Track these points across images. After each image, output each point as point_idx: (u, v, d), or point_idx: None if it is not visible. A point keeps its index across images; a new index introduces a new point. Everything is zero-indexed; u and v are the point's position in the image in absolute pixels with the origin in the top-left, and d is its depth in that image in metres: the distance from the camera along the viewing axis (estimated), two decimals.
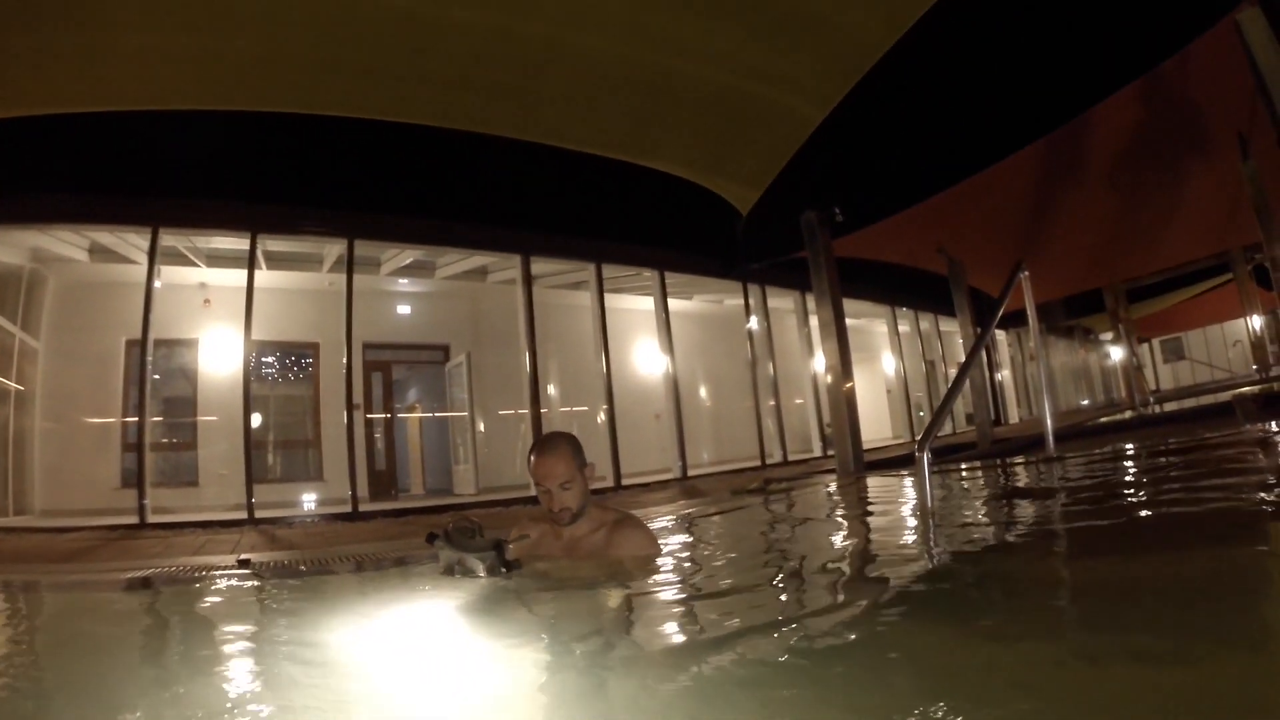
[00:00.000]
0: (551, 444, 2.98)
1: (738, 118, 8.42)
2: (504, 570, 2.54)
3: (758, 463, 12.61)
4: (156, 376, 9.42)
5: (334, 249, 10.33)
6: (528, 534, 3.01)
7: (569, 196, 9.54)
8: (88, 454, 10.09)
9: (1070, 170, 9.50)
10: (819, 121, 8.33)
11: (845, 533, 4.11)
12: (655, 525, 3.77)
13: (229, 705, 1.55)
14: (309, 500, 10.55)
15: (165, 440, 10.93)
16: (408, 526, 7.21)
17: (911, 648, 1.62)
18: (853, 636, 1.66)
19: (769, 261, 11.62)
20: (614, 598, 2.59)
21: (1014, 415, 20.83)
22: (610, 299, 11.13)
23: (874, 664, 1.50)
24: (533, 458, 2.94)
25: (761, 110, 8.25)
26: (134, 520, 8.10)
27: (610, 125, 8.35)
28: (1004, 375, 21.06)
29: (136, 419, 8.69)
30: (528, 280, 10.49)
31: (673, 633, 1.93)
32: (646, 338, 12.81)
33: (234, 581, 3.96)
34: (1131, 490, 4.35)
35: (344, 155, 8.79)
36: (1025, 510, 4.18)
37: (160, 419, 10.53)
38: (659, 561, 3.10)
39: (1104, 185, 9.93)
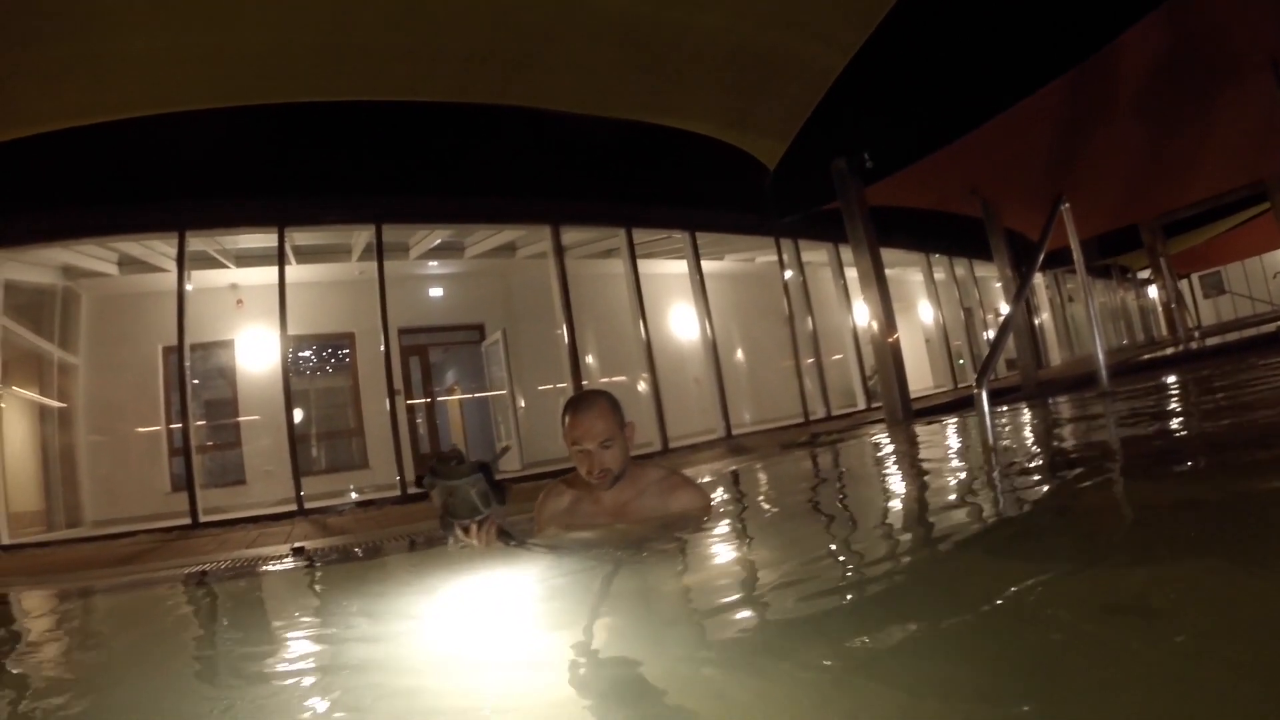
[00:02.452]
0: (588, 401, 2.71)
1: (759, 70, 8.26)
2: (497, 493, 2.36)
3: (801, 419, 12.46)
4: (195, 381, 9.46)
5: (361, 237, 10.32)
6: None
7: (595, 163, 9.43)
8: (135, 462, 10.23)
9: (1100, 103, 9.25)
10: (841, 68, 8.17)
11: (907, 476, 4.00)
12: (705, 480, 3.66)
13: (292, 687, 1.49)
14: (356, 488, 10.58)
15: (210, 442, 11.03)
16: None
17: (998, 580, 1.52)
18: (939, 578, 1.55)
19: (800, 214, 11.46)
20: (670, 561, 2.42)
21: (1055, 358, 20.50)
22: (642, 265, 11.00)
23: (962, 599, 1.40)
24: (567, 418, 2.66)
25: (782, 60, 8.08)
26: (186, 521, 8.16)
27: (630, 87, 8.23)
28: (1044, 318, 20.70)
29: (180, 424, 8.72)
30: (559, 251, 10.39)
31: (743, 598, 1.79)
32: (681, 302, 12.69)
33: (290, 568, 3.98)
34: (1194, 419, 4.20)
35: (365, 140, 8.74)
36: (1089, 443, 4.06)
37: (203, 422, 10.59)
38: (715, 516, 2.97)
39: (1135, 117, 9.68)
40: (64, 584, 4.81)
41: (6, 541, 7.57)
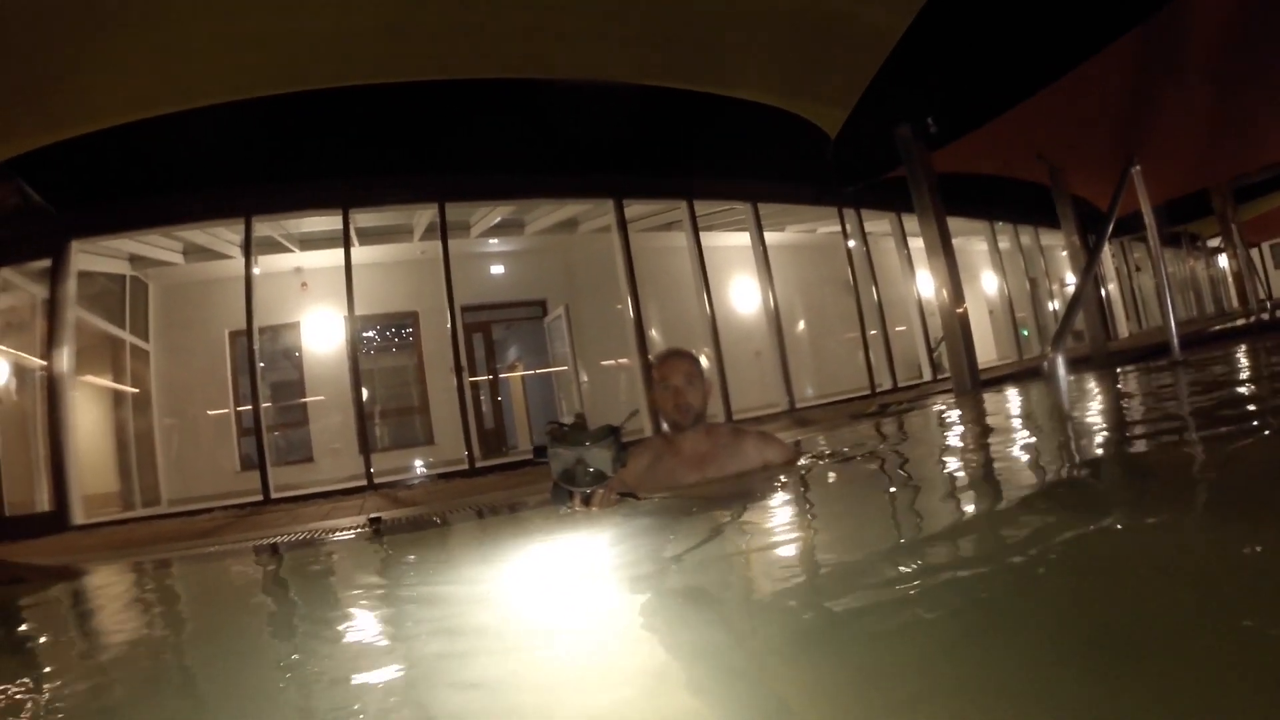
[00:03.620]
0: (676, 350, 3.03)
1: (818, 35, 8.12)
2: (623, 452, 2.37)
3: (867, 391, 12.33)
4: (263, 363, 9.68)
5: (424, 217, 10.44)
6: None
7: (655, 135, 9.36)
8: (207, 443, 10.56)
9: (1170, 61, 8.91)
10: (903, 31, 7.99)
11: (981, 446, 3.92)
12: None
13: (360, 648, 1.52)
14: (423, 464, 10.76)
15: (278, 422, 11.29)
16: (525, 476, 7.29)
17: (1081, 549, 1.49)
18: (1022, 553, 1.52)
19: (864, 183, 11.28)
20: (748, 520, 2.39)
21: (1124, 329, 19.97)
22: (704, 237, 10.95)
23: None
24: (657, 364, 2.97)
25: (842, 25, 7.93)
26: (259, 498, 8.38)
27: (689, 57, 8.15)
28: (1110, 288, 20.15)
29: (250, 405, 8.94)
30: (623, 225, 10.38)
31: (826, 564, 1.77)
32: (743, 274, 12.62)
33: (364, 538, 4.05)
34: (1268, 386, 4.05)
35: (427, 120, 8.79)
36: (1164, 411, 3.94)
37: (270, 403, 10.83)
38: (796, 467, 3.00)
39: (1206, 75, 9.32)
40: (141, 557, 4.95)
41: (80, 521, 7.81)
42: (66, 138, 7.23)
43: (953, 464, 3.33)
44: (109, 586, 3.53)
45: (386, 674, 1.35)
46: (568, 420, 2.49)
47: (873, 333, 12.91)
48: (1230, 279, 22.31)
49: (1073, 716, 0.77)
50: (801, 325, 13.85)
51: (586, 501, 2.35)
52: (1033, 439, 3.74)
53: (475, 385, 12.30)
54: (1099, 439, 3.19)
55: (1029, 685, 0.85)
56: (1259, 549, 1.28)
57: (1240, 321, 12.19)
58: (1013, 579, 1.32)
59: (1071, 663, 0.88)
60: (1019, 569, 1.37)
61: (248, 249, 8.94)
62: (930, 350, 13.36)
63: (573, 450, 2.32)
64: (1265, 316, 11.82)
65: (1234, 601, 1.04)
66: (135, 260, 10.12)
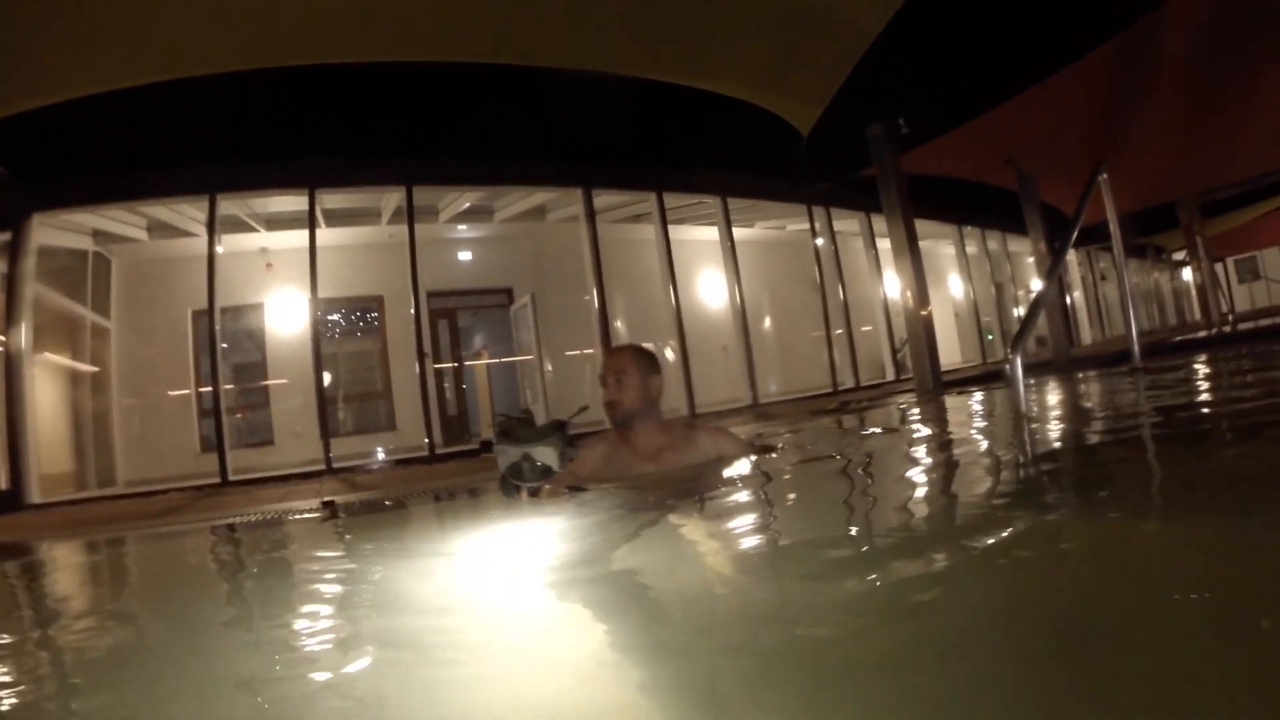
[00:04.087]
0: (619, 347, 3.19)
1: (794, 31, 8.12)
2: (571, 448, 2.36)
3: (830, 389, 12.41)
4: (225, 344, 9.55)
5: (392, 200, 10.33)
6: (586, 406, 2.92)
7: (627, 126, 9.33)
8: (166, 424, 10.40)
9: (1143, 74, 9.06)
10: (879, 30, 8.01)
11: (938, 443, 3.95)
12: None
13: (313, 626, 1.49)
14: (383, 450, 10.68)
15: (239, 404, 11.14)
16: (486, 463, 7.24)
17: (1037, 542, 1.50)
18: (970, 547, 1.52)
19: (834, 181, 11.34)
20: (699, 511, 2.40)
21: (1087, 337, 20.25)
22: (673, 230, 10.96)
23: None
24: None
25: (818, 22, 7.94)
26: (217, 480, 8.29)
27: (663, 48, 8.14)
28: (1075, 296, 20.41)
29: (210, 386, 8.83)
30: (591, 215, 10.36)
31: (771, 556, 1.77)
32: (711, 268, 12.65)
33: (317, 520, 4.02)
34: (1224, 394, 4.12)
35: (396, 102, 8.70)
36: (1121, 414, 3.99)
37: (232, 384, 10.69)
38: (749, 460, 3.01)
39: (1178, 90, 9.47)
40: (95, 536, 4.88)
41: (37, 500, 7.69)
42: (31, 108, 7.08)
43: (906, 460, 3.36)
44: (62, 562, 3.50)
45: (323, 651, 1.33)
46: (516, 414, 2.47)
47: (838, 331, 12.99)
48: (1194, 292, 22.69)
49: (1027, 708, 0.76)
50: (768, 322, 13.90)
51: (534, 494, 2.34)
52: (985, 437, 3.80)
53: (439, 372, 12.21)
54: (1051, 438, 3.23)
55: (978, 677, 0.84)
56: (1196, 542, 1.30)
57: (1202, 333, 12.38)
58: (958, 574, 1.32)
59: (1022, 655, 0.88)
60: (965, 564, 1.37)
61: (212, 227, 8.81)
62: (894, 351, 13.47)
63: (518, 447, 2.30)
64: (1226, 329, 12.01)
65: (1177, 590, 1.06)
66: (98, 235, 9.92)
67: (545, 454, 2.30)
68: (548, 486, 2.35)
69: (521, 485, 2.33)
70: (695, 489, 2.72)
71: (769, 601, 1.28)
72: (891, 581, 1.32)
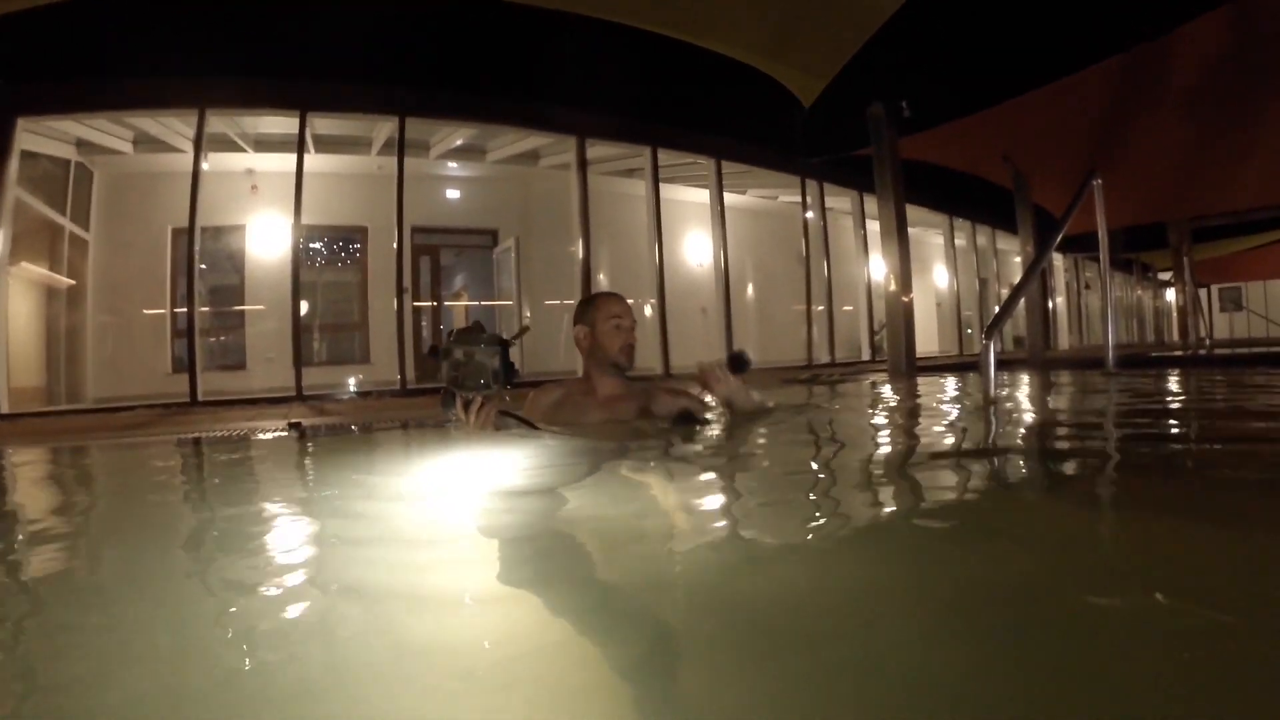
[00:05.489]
0: (614, 293, 3.09)
1: (807, 2, 8.05)
2: (507, 373, 2.35)
3: (805, 363, 12.48)
4: (204, 265, 9.45)
5: (383, 130, 10.19)
6: (528, 326, 2.93)
7: (628, 78, 9.25)
8: (140, 342, 10.31)
9: (1150, 91, 9.05)
10: (893, 11, 7.95)
11: (903, 416, 3.98)
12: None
13: (272, 547, 1.49)
14: (355, 381, 10.65)
15: (214, 326, 11.06)
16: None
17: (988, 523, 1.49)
18: (915, 523, 1.53)
19: (830, 156, 11.31)
20: (655, 457, 2.44)
21: (1065, 343, 20.44)
22: (664, 189, 10.94)
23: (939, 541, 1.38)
24: (604, 301, 2.98)
25: None
26: (186, 400, 8.25)
27: (672, 1, 8.03)
28: (1058, 301, 20.58)
29: (185, 307, 8.74)
30: (583, 164, 10.30)
31: (714, 505, 1.78)
32: (698, 230, 12.67)
33: (282, 439, 4.03)
34: (1192, 400, 4.17)
35: (394, 30, 8.57)
36: (1087, 409, 4.03)
37: (208, 307, 10.59)
38: (705, 414, 3.03)
39: (1182, 113, 9.48)
40: (59, 444, 4.86)
41: (6, 411, 7.63)
42: (19, 9, 6.90)
43: (865, 431, 3.39)
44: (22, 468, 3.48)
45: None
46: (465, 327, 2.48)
47: (819, 308, 13.05)
48: (1175, 313, 22.88)
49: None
50: (750, 290, 13.92)
51: (468, 408, 2.34)
52: (949, 416, 3.83)
53: (418, 309, 12.16)
54: (1014, 423, 3.25)
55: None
56: (1142, 534, 1.32)
57: (1177, 352, 12.49)
58: (901, 548, 1.32)
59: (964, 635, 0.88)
60: (910, 538, 1.38)
61: (199, 143, 8.68)
62: (872, 333, 13.56)
63: (460, 346, 2.31)
64: (1202, 352, 12.12)
65: (1110, 578, 1.06)
66: (82, 145, 9.74)
67: (485, 356, 2.31)
68: (482, 402, 2.34)
69: (459, 394, 2.34)
70: (641, 437, 2.75)
71: (719, 564, 1.27)
72: (830, 550, 1.32)
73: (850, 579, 1.12)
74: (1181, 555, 1.17)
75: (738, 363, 2.74)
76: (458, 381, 2.34)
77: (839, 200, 13.71)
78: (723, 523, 1.55)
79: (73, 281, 9.87)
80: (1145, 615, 0.91)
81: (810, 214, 12.97)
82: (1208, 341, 16.63)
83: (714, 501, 1.81)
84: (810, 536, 1.38)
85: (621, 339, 2.89)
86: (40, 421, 7.17)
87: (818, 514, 1.61)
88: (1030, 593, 1.00)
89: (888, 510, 1.65)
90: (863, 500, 1.73)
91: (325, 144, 10.54)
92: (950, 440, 2.89)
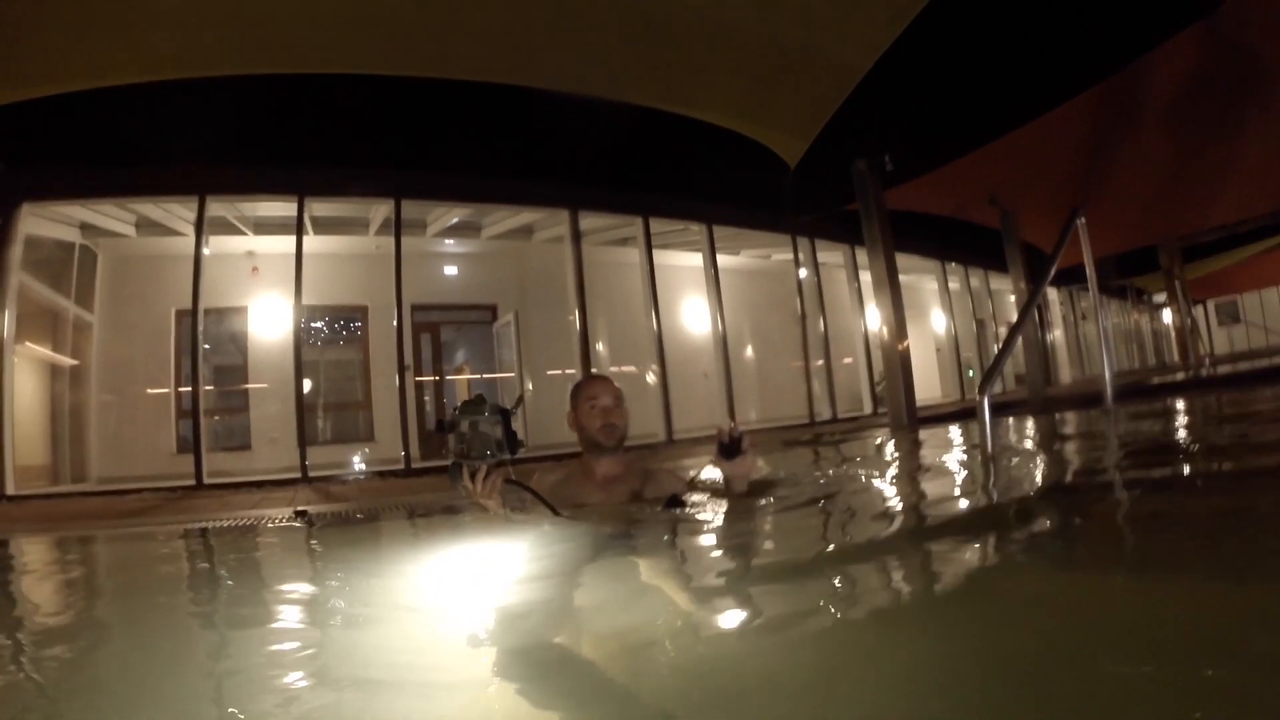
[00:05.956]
0: (600, 375, 3.26)
1: (784, 65, 8.25)
2: (511, 442, 2.43)
3: (807, 420, 12.49)
4: (207, 345, 9.55)
5: (380, 211, 10.36)
6: (522, 396, 2.97)
7: (616, 150, 9.44)
8: (142, 422, 10.33)
9: (1127, 118, 9.20)
10: (867, 69, 8.14)
11: (903, 478, 4.02)
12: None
13: (279, 635, 1.53)
14: (361, 460, 10.66)
15: (218, 406, 11.11)
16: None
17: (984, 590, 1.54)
18: (928, 581, 1.58)
19: (819, 213, 11.46)
20: (657, 539, 2.50)
21: (1066, 376, 20.42)
22: (657, 255, 11.06)
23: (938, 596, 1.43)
24: (585, 385, 3.04)
25: (809, 57, 8.06)
26: (191, 482, 8.27)
27: (653, 75, 8.22)
28: (1056, 335, 20.62)
29: (190, 387, 8.82)
30: (576, 237, 10.45)
31: (723, 582, 1.81)
32: (694, 295, 12.74)
33: (289, 528, 4.05)
34: (1193, 439, 4.20)
35: (389, 115, 8.79)
36: (1087, 457, 4.06)
37: (212, 386, 10.67)
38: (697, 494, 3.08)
39: (1161, 134, 9.63)
40: (67, 533, 4.88)
41: (12, 492, 7.66)
42: (27, 98, 7.10)
43: (863, 497, 3.41)
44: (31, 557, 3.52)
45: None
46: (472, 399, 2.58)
47: (818, 362, 13.09)
48: (1173, 334, 22.89)
49: None
50: (749, 350, 14.01)
51: (474, 477, 2.41)
52: (948, 475, 3.86)
53: (420, 385, 12.23)
54: (1011, 479, 3.29)
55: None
56: (1144, 591, 1.35)
57: (1179, 376, 12.52)
58: (897, 610, 1.36)
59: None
60: (911, 604, 1.42)
61: (200, 228, 8.83)
62: (873, 384, 13.55)
63: (466, 418, 2.40)
64: (1204, 373, 12.15)
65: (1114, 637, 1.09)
66: (86, 229, 9.90)
67: (489, 425, 2.40)
68: (489, 470, 2.41)
69: (466, 464, 2.41)
70: (641, 519, 2.78)
71: (721, 639, 1.31)
72: (831, 621, 1.35)
73: (845, 662, 1.14)
74: (1182, 614, 1.18)
75: (729, 450, 2.77)
76: (465, 454, 2.41)
77: (831, 254, 13.84)
78: (719, 612, 1.57)
79: (76, 362, 9.97)
80: (1156, 678, 0.93)
81: (804, 271, 13.09)
82: (1208, 360, 16.61)
83: (710, 586, 1.82)
84: (808, 623, 1.40)
85: (599, 419, 2.94)
86: (46, 505, 7.20)
87: (817, 598, 1.61)
88: (1038, 663, 1.01)
89: (884, 593, 1.65)
90: (863, 580, 1.73)
91: (324, 225, 10.71)
92: (949, 507, 2.92)
